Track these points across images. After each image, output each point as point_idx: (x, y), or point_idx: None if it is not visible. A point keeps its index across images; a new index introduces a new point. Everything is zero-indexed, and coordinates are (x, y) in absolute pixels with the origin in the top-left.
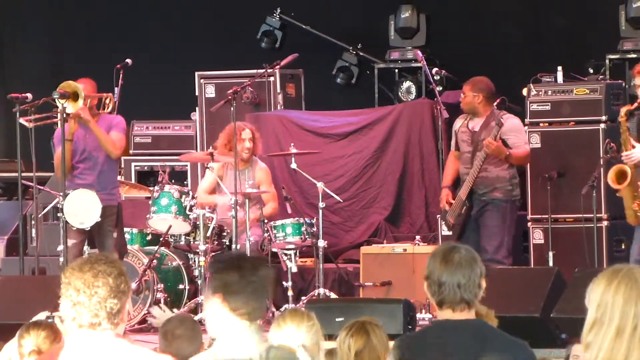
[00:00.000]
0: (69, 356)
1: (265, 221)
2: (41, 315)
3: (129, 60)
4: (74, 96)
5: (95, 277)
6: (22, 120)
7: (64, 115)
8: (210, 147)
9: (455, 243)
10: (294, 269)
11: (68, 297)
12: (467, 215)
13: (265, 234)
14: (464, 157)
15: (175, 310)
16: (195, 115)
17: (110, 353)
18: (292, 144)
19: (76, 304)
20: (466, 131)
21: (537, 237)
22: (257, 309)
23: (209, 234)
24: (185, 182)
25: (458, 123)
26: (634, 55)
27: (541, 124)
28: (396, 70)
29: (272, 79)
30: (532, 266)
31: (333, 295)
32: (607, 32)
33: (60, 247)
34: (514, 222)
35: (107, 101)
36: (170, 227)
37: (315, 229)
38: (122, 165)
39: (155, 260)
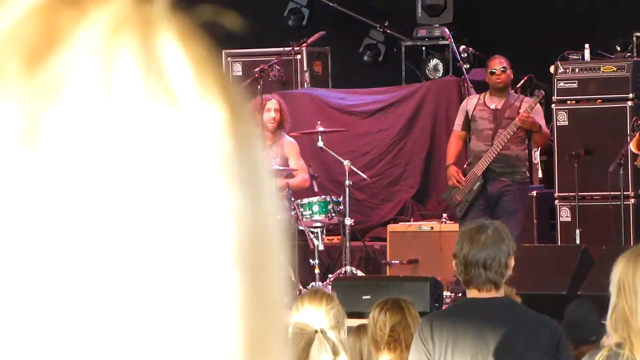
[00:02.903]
0: None
1: (292, 199)
2: None
3: None
4: None
5: None
6: None
7: None
8: None
9: (484, 221)
10: (321, 247)
11: None
12: (477, 193)
13: (292, 212)
14: (484, 135)
15: None
16: None
17: None
18: (319, 122)
19: None
20: (486, 109)
21: (564, 215)
22: None
23: None
24: None
25: (472, 102)
26: None
27: (568, 102)
28: (423, 48)
29: (299, 57)
30: (559, 244)
31: (360, 273)
32: (635, 9)
33: None
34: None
35: None
36: None
37: (341, 207)
38: None
39: None
